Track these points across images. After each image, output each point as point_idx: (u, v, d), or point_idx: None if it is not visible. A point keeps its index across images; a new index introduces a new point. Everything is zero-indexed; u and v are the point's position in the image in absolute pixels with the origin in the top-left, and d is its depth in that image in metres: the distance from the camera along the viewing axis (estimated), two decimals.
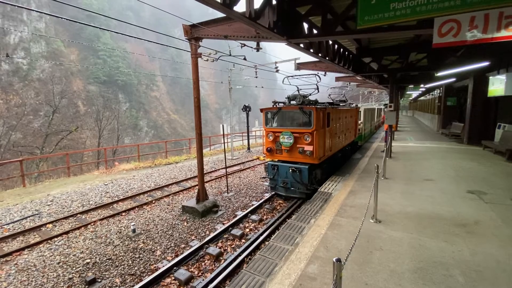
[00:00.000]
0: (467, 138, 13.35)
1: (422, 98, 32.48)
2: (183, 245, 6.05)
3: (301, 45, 6.56)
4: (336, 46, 8.90)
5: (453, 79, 14.12)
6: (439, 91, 20.34)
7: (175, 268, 5.05)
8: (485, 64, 8.78)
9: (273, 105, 7.98)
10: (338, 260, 1.88)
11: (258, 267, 3.72)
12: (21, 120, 30.19)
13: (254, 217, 7.19)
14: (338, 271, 1.87)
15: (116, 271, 5.13)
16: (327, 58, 8.18)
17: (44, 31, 44.37)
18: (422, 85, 19.13)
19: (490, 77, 11.04)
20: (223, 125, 10.32)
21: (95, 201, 8.78)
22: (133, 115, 52.47)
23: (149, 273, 5.07)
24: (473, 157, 10.06)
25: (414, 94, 29.30)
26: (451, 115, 17.64)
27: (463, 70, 9.79)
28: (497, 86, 10.44)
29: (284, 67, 13.95)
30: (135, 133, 51.27)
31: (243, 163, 14.62)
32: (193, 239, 6.31)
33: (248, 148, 19.19)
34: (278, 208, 7.98)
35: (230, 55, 9.78)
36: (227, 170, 10.75)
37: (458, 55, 9.81)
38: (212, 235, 6.23)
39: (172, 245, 6.06)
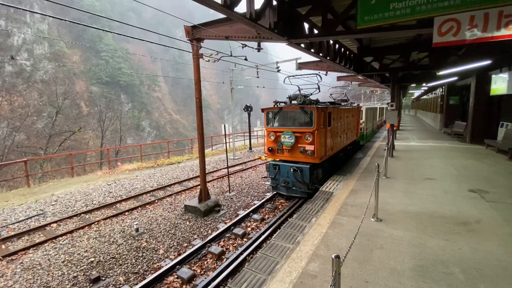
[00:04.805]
0: (470, 137, 13.29)
1: (424, 97, 32.34)
2: (185, 244, 6.11)
3: (302, 45, 6.59)
4: (337, 45, 8.91)
5: (455, 78, 14.05)
6: (441, 90, 20.25)
7: (177, 266, 5.11)
8: (487, 62, 8.75)
9: (274, 105, 8.01)
10: (337, 257, 1.92)
11: (259, 265, 3.76)
12: (24, 121, 30.45)
13: (256, 216, 7.24)
14: (337, 268, 1.91)
15: (119, 269, 5.20)
16: (328, 58, 8.20)
17: (47, 32, 44.70)
18: (424, 84, 19.06)
19: (493, 76, 10.99)
20: (224, 125, 10.36)
21: (98, 201, 8.87)
22: (135, 116, 52.69)
23: (152, 271, 5.14)
24: (476, 156, 10.03)
25: (417, 93, 29.19)
26: (454, 114, 17.56)
27: (465, 69, 9.76)
28: (499, 84, 10.40)
29: (285, 67, 13.99)
30: (138, 134, 51.49)
31: (244, 162, 14.67)
32: (195, 238, 6.37)
33: (250, 148, 19.23)
34: (279, 207, 8.02)
35: (231, 55, 9.83)
36: (229, 169, 10.80)
37: (460, 53, 9.78)
38: (214, 234, 6.28)
39: (174, 244, 6.12)
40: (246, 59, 9.84)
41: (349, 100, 12.22)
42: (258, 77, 14.95)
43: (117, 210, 8.07)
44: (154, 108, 58.98)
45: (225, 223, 7.09)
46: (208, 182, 10.53)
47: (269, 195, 8.84)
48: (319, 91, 8.34)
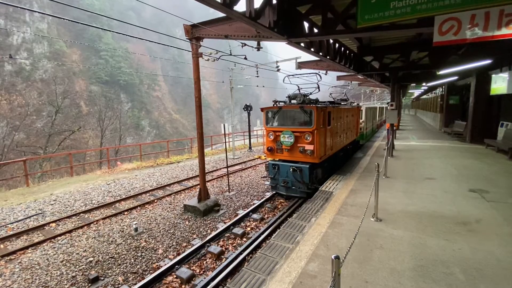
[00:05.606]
0: (470, 136, 13.28)
1: (424, 96, 32.34)
2: (184, 244, 6.09)
3: (302, 44, 6.56)
4: (337, 45, 8.89)
5: (455, 78, 14.04)
6: (441, 89, 20.24)
7: (176, 266, 5.09)
8: (487, 62, 8.75)
9: (273, 105, 7.99)
10: (337, 257, 1.90)
11: (259, 265, 3.74)
12: (24, 120, 30.39)
13: (255, 216, 7.22)
14: (336, 268, 1.89)
15: (118, 269, 5.19)
16: (328, 57, 8.18)
17: (47, 31, 44.60)
18: (424, 84, 19.03)
19: (493, 75, 10.97)
20: (224, 125, 10.33)
21: (97, 201, 8.85)
22: (135, 115, 52.66)
23: (151, 271, 5.12)
24: (476, 155, 10.02)
25: (416, 92, 29.18)
26: (454, 114, 17.55)
27: (466, 68, 9.75)
28: (499, 84, 10.38)
29: (285, 66, 13.96)
30: (137, 133, 51.45)
31: (244, 162, 14.65)
32: (194, 238, 6.35)
33: (250, 148, 19.22)
34: (279, 207, 8.01)
35: (231, 54, 9.79)
36: (229, 169, 10.78)
37: (460, 53, 9.77)
38: (213, 233, 6.27)
39: (174, 243, 6.10)
40: (245, 58, 9.80)
41: (348, 99, 12.20)
42: (258, 76, 14.91)
43: (116, 210, 8.05)
44: (154, 108, 58.91)
45: (225, 222, 7.07)
46: (208, 181, 10.51)
47: (268, 194, 8.82)
48: (319, 90, 8.32)
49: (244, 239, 6.17)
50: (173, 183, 10.67)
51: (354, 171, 8.37)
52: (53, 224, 7.13)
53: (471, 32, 3.82)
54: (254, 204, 8.14)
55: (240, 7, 4.27)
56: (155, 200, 8.77)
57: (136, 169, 13.60)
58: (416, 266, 3.38)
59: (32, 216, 7.63)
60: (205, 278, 4.72)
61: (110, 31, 6.62)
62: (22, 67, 38.78)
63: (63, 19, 4.54)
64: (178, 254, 5.63)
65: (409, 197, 5.86)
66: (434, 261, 3.46)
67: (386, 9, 3.98)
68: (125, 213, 7.84)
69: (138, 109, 54.38)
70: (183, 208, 7.93)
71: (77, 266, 5.25)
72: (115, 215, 7.66)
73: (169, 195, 9.29)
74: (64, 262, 5.40)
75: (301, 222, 4.93)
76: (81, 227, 6.90)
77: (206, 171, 8.98)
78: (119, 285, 4.75)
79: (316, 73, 8.29)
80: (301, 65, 12.57)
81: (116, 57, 54.00)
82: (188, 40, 7.45)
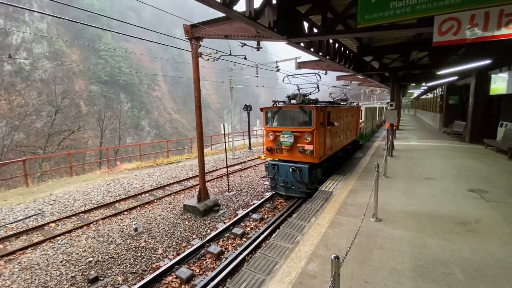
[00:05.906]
0: (469, 136, 13.29)
1: (424, 96, 32.37)
2: (184, 244, 6.09)
3: (302, 44, 6.56)
4: (336, 45, 8.89)
5: (455, 78, 14.05)
6: (441, 89, 20.25)
7: (176, 266, 5.09)
8: (487, 62, 8.75)
9: (273, 104, 7.98)
10: (336, 257, 1.90)
11: (258, 265, 3.74)
12: (23, 120, 30.39)
13: (255, 216, 7.22)
14: (336, 268, 1.89)
15: (118, 269, 5.18)
16: (327, 57, 8.18)
17: (46, 31, 44.54)
18: (423, 84, 19.05)
19: (493, 75, 10.98)
20: (224, 125, 10.33)
21: (97, 201, 8.84)
22: (134, 115, 52.63)
23: (150, 271, 5.11)
24: (475, 155, 10.02)
25: (416, 92, 29.21)
26: (453, 114, 17.56)
27: (465, 68, 9.76)
28: (499, 84, 10.38)
29: (285, 66, 13.98)
30: (137, 133, 51.44)
31: (244, 162, 14.65)
32: (194, 238, 6.35)
33: (249, 148, 19.21)
34: (279, 207, 8.00)
35: (230, 54, 9.79)
36: (228, 169, 10.78)
37: (460, 53, 9.77)
38: (213, 234, 6.26)
39: (173, 243, 6.10)
40: (245, 58, 9.80)
41: (348, 99, 12.19)
42: (257, 76, 14.91)
43: (116, 210, 8.04)
44: (154, 108, 58.88)
45: (224, 222, 7.07)
46: (207, 181, 10.50)
47: (268, 194, 8.82)
48: (318, 90, 8.32)
49: (244, 239, 6.16)
50: (173, 183, 10.66)
51: (354, 171, 8.37)
52: (53, 224, 7.12)
53: (471, 32, 3.82)
54: (253, 204, 8.14)
55: (240, 7, 4.27)
56: (155, 200, 8.76)
57: (136, 169, 13.59)
58: (416, 266, 3.38)
59: (32, 216, 7.62)
60: (204, 278, 4.71)
61: (110, 31, 6.61)
62: (22, 67, 38.74)
63: (63, 19, 4.53)
64: (178, 254, 5.63)
65: (408, 197, 5.86)
66: (434, 261, 3.46)
67: (385, 9, 3.98)
68: (125, 213, 7.83)
69: (137, 109, 54.35)
70: (183, 208, 7.93)
71: (77, 266, 5.25)
72: (115, 215, 7.65)
73: (169, 195, 9.28)
74: (63, 262, 5.39)
75: (301, 222, 4.93)
76: (81, 227, 6.89)
77: (205, 171, 8.97)
78: (119, 285, 4.75)
79: (315, 73, 8.29)
80: (300, 65, 12.57)
81: (116, 57, 53.97)
82: (188, 40, 7.44)
